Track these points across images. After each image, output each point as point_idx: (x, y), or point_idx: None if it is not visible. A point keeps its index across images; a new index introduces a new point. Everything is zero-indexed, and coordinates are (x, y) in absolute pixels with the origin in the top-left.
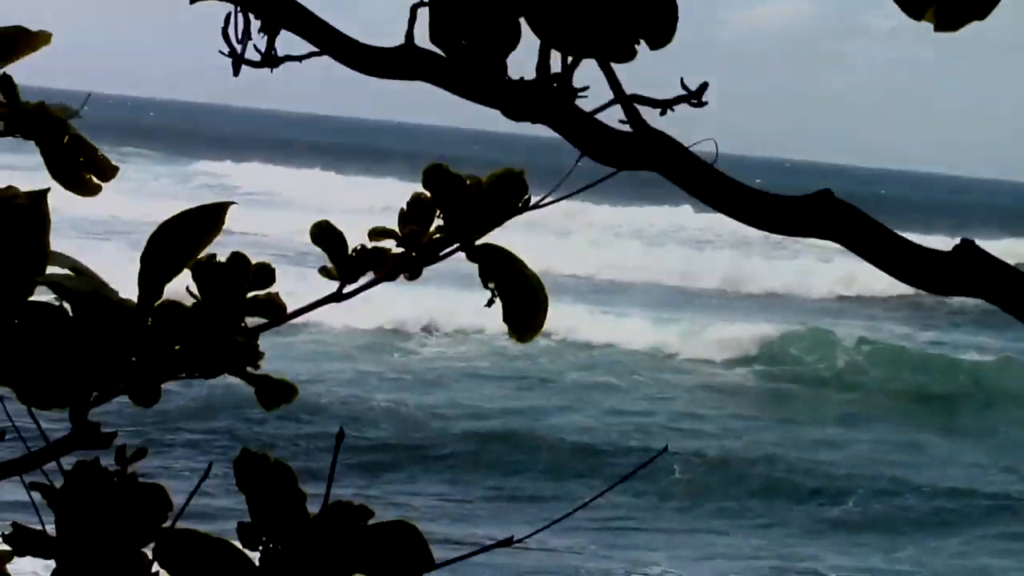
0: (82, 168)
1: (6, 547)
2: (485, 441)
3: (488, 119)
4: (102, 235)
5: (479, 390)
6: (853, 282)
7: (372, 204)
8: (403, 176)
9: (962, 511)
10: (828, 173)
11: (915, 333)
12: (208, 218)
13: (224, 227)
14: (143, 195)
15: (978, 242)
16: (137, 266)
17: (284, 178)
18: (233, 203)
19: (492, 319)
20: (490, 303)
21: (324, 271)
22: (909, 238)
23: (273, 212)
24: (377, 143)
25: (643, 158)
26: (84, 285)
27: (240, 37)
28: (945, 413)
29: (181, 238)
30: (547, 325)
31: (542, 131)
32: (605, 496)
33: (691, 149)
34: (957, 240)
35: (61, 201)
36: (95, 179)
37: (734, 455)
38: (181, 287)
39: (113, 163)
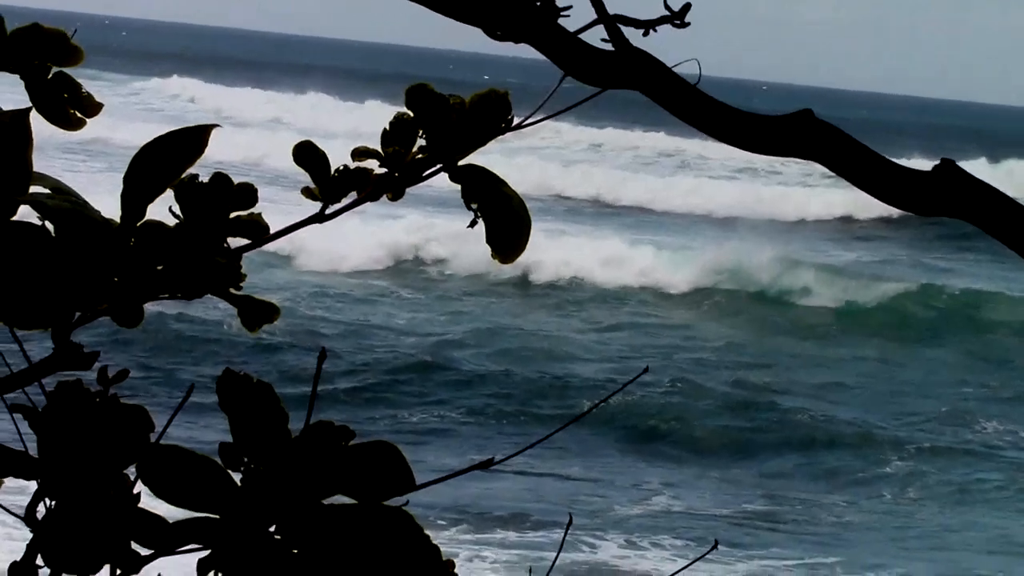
0: (67, 104)
1: None
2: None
3: (467, 38)
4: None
5: None
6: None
7: (352, 128)
8: (385, 98)
9: None
10: (803, 96)
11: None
12: (191, 140)
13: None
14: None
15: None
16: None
17: (248, 100)
18: (217, 125)
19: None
20: (473, 224)
21: (307, 191)
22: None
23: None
24: (353, 65)
25: (626, 77)
26: (66, 204)
27: None
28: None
29: (164, 160)
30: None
31: (523, 52)
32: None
33: (675, 70)
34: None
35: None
36: (78, 114)
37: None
38: (164, 210)
39: (97, 100)
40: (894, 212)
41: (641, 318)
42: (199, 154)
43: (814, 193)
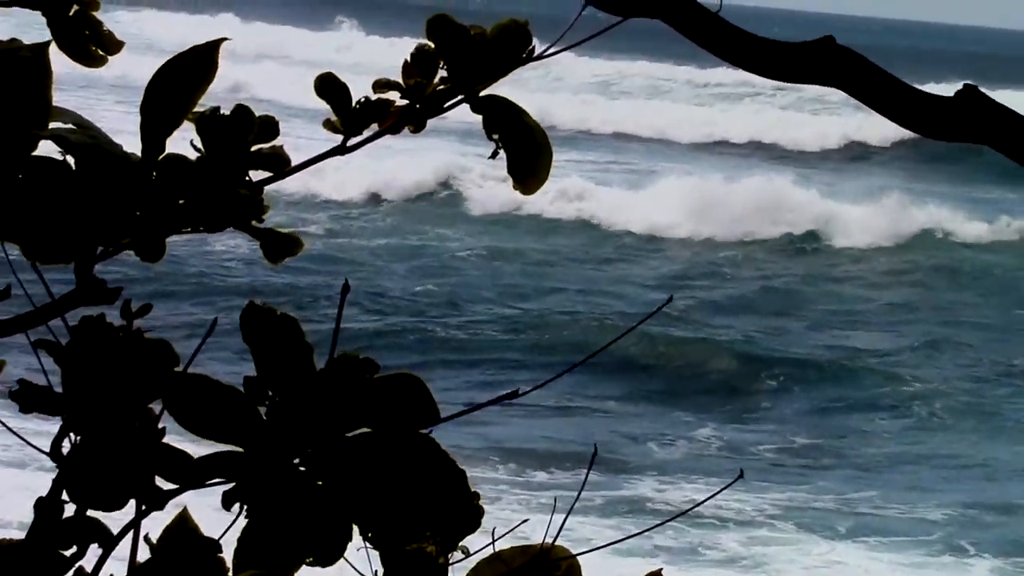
0: (88, 40)
1: None
2: None
3: None
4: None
5: None
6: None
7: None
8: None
9: None
10: (820, 23)
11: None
12: (201, 60)
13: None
14: None
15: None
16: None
17: (264, 34)
18: (226, 39)
19: None
20: (494, 154)
21: (328, 124)
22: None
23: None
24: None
25: (647, 6)
26: (87, 138)
27: None
28: None
29: (177, 85)
30: None
31: None
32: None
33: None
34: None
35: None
36: (99, 51)
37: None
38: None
39: (117, 37)
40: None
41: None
42: (212, 73)
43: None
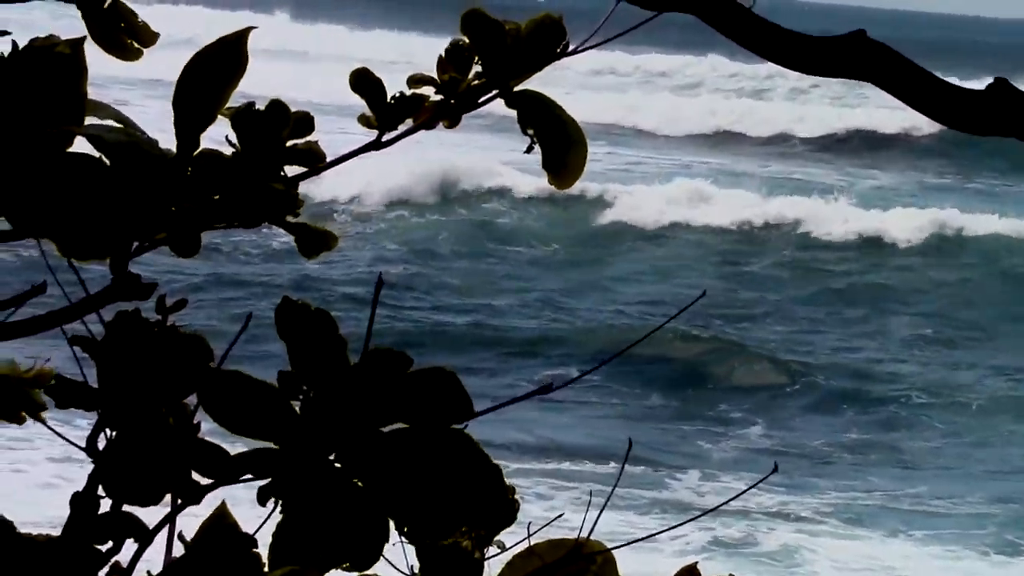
0: (123, 33)
1: None
2: None
3: None
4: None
5: None
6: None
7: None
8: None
9: None
10: (845, 14)
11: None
12: (230, 51)
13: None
14: None
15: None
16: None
17: (300, 33)
18: (253, 28)
19: None
20: (529, 149)
21: (363, 119)
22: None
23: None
24: None
25: (681, 1)
26: (123, 136)
27: None
28: None
29: (207, 78)
30: None
31: None
32: None
33: None
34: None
35: None
36: (135, 44)
37: None
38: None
39: (153, 30)
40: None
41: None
42: (243, 65)
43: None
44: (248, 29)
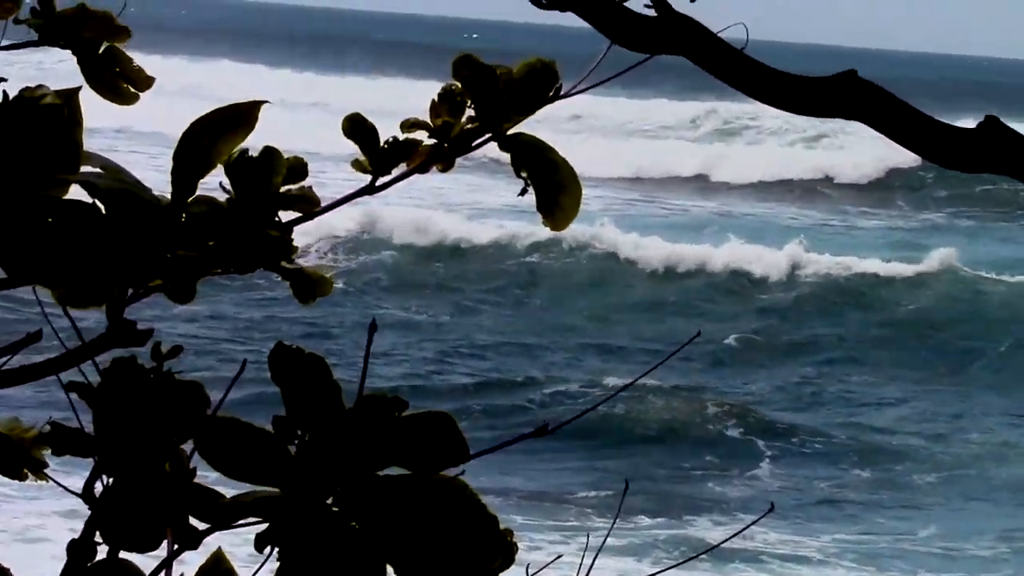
0: (118, 78)
1: None
2: None
3: (500, 7)
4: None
5: None
6: None
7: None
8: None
9: None
10: (834, 56)
11: None
12: (241, 116)
13: None
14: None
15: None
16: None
17: (261, 78)
18: (266, 101)
19: None
20: (523, 192)
21: (357, 164)
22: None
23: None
24: (375, 35)
25: (670, 42)
26: (116, 183)
27: None
28: None
29: (214, 136)
30: None
31: (534, 17)
32: None
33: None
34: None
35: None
36: (131, 88)
37: None
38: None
39: (148, 74)
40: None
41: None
42: (249, 130)
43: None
44: (262, 101)
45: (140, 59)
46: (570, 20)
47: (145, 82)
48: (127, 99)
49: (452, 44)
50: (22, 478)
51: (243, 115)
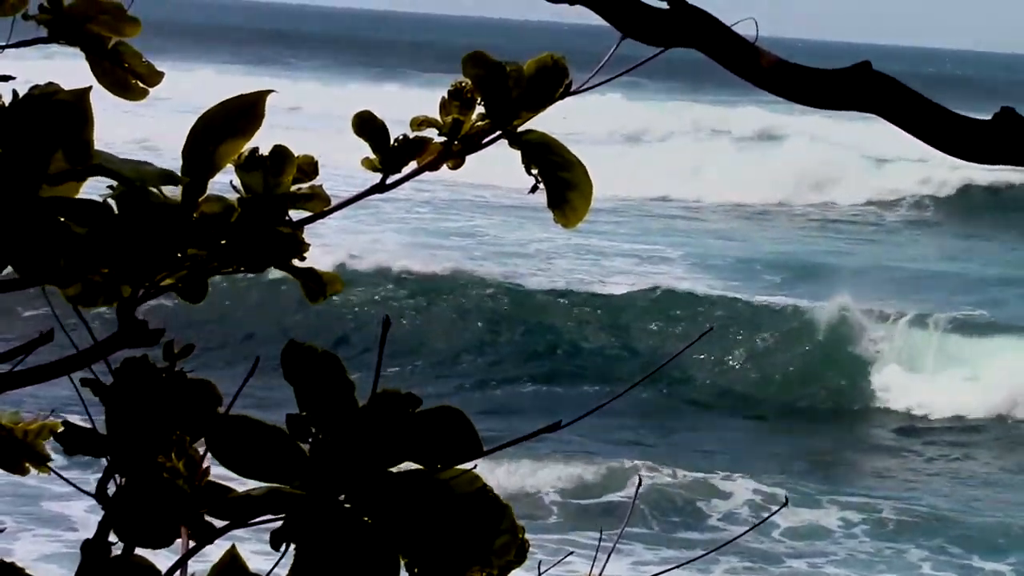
0: (128, 74)
1: None
2: None
3: (502, 5)
4: None
5: None
6: None
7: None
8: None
9: None
10: (843, 52)
11: None
12: (247, 108)
13: None
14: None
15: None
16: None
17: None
18: (272, 91)
19: None
20: (533, 189)
21: (367, 162)
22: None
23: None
24: (374, 35)
25: (682, 35)
26: (132, 172)
27: None
28: None
29: (222, 131)
30: None
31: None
32: None
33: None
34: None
35: None
36: (140, 84)
37: None
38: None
39: (158, 69)
40: None
41: None
42: (257, 122)
43: None
44: (268, 91)
45: None
46: (568, 17)
47: (155, 78)
48: (136, 95)
49: (447, 43)
50: (23, 472)
51: (250, 108)
